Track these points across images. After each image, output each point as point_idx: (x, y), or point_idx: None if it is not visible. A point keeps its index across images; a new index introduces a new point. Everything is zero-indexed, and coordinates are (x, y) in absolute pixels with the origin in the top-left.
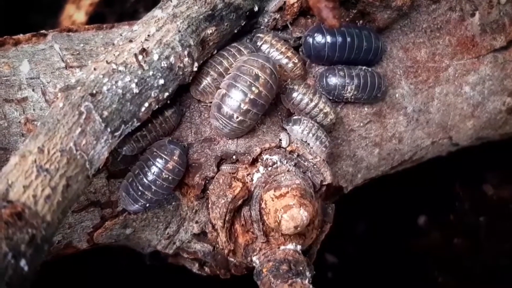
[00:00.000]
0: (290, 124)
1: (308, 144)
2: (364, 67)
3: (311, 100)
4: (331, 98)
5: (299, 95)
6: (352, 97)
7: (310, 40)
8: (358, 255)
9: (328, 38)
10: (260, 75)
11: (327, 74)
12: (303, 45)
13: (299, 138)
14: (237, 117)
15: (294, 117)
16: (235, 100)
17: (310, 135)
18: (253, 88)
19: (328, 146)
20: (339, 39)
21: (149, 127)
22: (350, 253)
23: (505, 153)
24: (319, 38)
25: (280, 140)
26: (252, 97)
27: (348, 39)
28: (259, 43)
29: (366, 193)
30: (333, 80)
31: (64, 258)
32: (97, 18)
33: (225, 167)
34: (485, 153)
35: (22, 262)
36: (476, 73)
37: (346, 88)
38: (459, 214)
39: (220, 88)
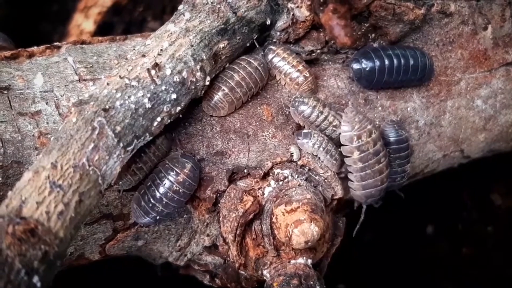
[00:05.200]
0: (300, 138)
1: (319, 158)
2: None
3: (321, 113)
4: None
5: (309, 108)
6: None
7: (358, 66)
8: (366, 264)
9: (376, 63)
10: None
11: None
12: (353, 71)
13: (310, 152)
14: None
15: (304, 131)
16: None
17: (321, 149)
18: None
19: (338, 159)
20: (387, 62)
21: (144, 159)
22: (358, 262)
23: None
24: (366, 63)
25: (292, 154)
26: None
27: (395, 61)
28: (270, 56)
29: None
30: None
31: (76, 267)
32: (105, 27)
33: (241, 184)
34: (493, 162)
35: (35, 279)
36: (488, 87)
37: None
38: (467, 223)
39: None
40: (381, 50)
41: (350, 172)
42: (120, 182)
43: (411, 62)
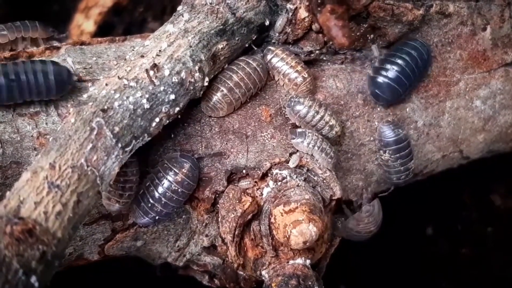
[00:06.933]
0: (294, 137)
1: (313, 156)
2: None
3: (317, 113)
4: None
5: (305, 108)
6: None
7: (382, 80)
8: (365, 265)
9: (397, 65)
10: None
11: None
12: (377, 89)
13: (305, 152)
14: None
15: (299, 131)
16: None
17: (316, 148)
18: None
19: (334, 157)
20: (402, 62)
21: (130, 189)
22: (357, 263)
23: None
24: (385, 75)
25: (290, 154)
26: None
27: (407, 58)
28: (269, 56)
29: None
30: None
31: (75, 268)
32: (106, 28)
33: (239, 184)
34: (493, 163)
35: (33, 279)
36: (487, 87)
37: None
38: (466, 223)
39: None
40: (389, 58)
41: (347, 232)
42: (113, 210)
43: (418, 59)
